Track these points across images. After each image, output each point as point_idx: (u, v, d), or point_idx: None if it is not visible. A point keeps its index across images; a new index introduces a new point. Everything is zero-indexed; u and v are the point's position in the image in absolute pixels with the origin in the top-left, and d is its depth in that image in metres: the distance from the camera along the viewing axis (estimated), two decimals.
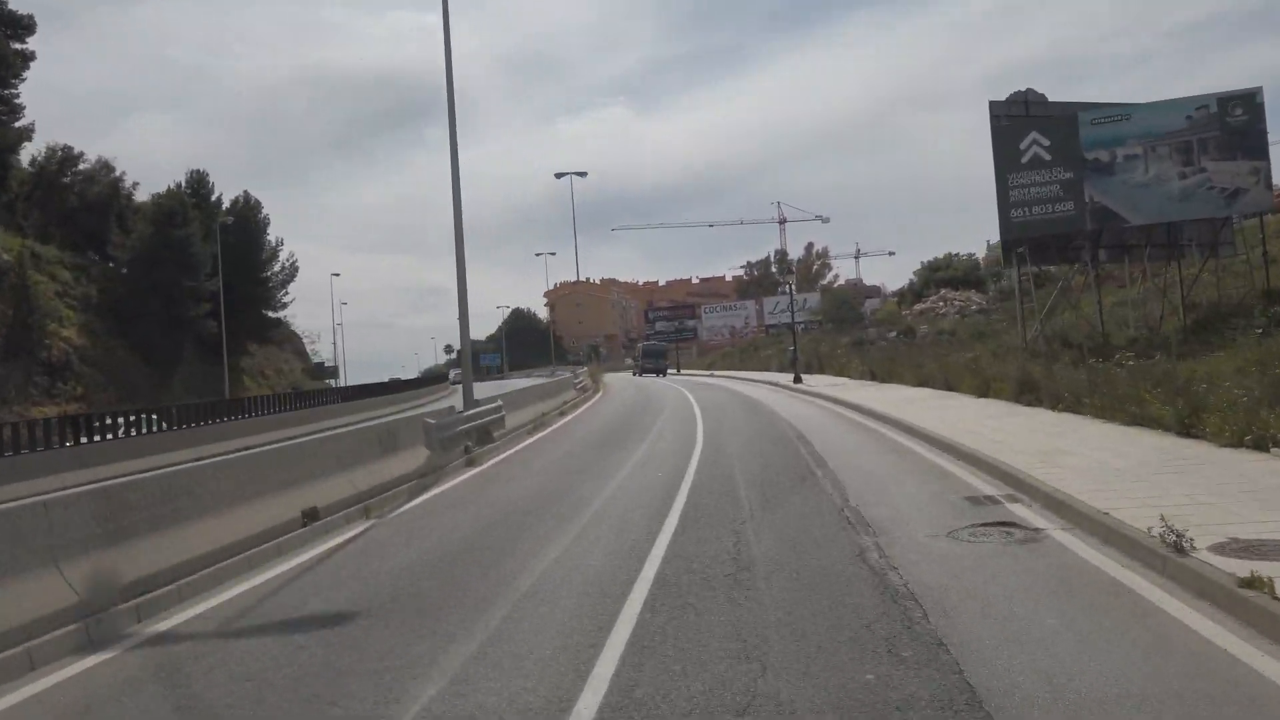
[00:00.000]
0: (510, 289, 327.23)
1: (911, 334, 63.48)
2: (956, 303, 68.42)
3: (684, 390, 36.38)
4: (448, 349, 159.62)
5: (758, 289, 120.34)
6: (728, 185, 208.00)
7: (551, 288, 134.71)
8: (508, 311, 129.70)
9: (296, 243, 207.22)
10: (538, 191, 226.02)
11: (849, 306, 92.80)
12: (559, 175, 55.24)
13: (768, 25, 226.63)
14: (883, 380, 29.52)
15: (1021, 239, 33.02)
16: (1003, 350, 34.58)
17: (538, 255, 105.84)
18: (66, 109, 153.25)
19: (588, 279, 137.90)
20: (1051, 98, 35.04)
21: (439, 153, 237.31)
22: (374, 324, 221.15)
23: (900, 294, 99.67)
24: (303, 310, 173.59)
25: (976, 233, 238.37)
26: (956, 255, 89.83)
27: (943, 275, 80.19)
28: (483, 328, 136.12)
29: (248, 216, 62.01)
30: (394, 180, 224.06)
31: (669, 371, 68.26)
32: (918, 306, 73.04)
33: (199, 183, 59.95)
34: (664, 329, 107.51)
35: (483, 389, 53.36)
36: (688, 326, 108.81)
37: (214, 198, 60.52)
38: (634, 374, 69.76)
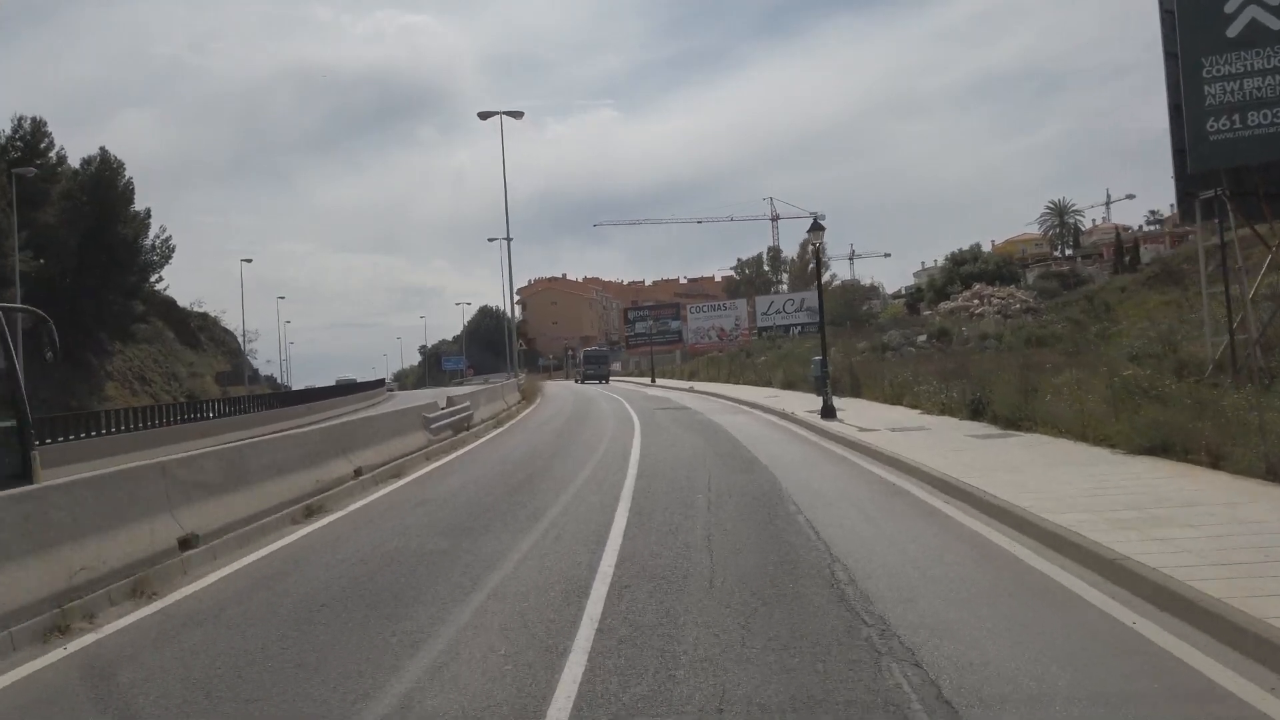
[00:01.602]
0: (495, 290, 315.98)
1: (946, 338, 48.57)
2: (995, 300, 53.48)
3: (638, 424, 21.41)
4: (421, 349, 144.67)
5: (749, 289, 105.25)
6: (714, 189, 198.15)
7: (528, 284, 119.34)
8: (474, 310, 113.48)
9: (281, 241, 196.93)
10: (525, 193, 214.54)
11: (855, 306, 77.33)
12: (484, 115, 39.62)
13: (751, 31, 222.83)
14: (1008, 425, 14.42)
15: (1218, 172, 18.09)
16: (1163, 363, 19.89)
17: (490, 240, 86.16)
18: (51, 104, 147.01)
19: (564, 275, 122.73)
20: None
21: (426, 153, 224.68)
22: (356, 323, 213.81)
23: (912, 293, 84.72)
24: (280, 308, 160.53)
25: (965, 236, 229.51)
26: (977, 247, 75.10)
27: (970, 270, 65.34)
28: (454, 328, 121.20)
29: (104, 180, 46.78)
30: (381, 180, 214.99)
31: (653, 382, 54.50)
32: (945, 305, 58.04)
33: (33, 132, 44.62)
34: (645, 330, 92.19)
35: (415, 398, 37.81)
36: (671, 328, 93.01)
37: (53, 152, 45.23)
38: (576, 381, 63.10)
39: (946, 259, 68.78)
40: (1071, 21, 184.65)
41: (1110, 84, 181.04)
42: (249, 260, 65.70)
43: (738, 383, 42.08)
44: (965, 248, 68.82)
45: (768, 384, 35.96)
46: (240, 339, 77.49)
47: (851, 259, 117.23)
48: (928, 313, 61.27)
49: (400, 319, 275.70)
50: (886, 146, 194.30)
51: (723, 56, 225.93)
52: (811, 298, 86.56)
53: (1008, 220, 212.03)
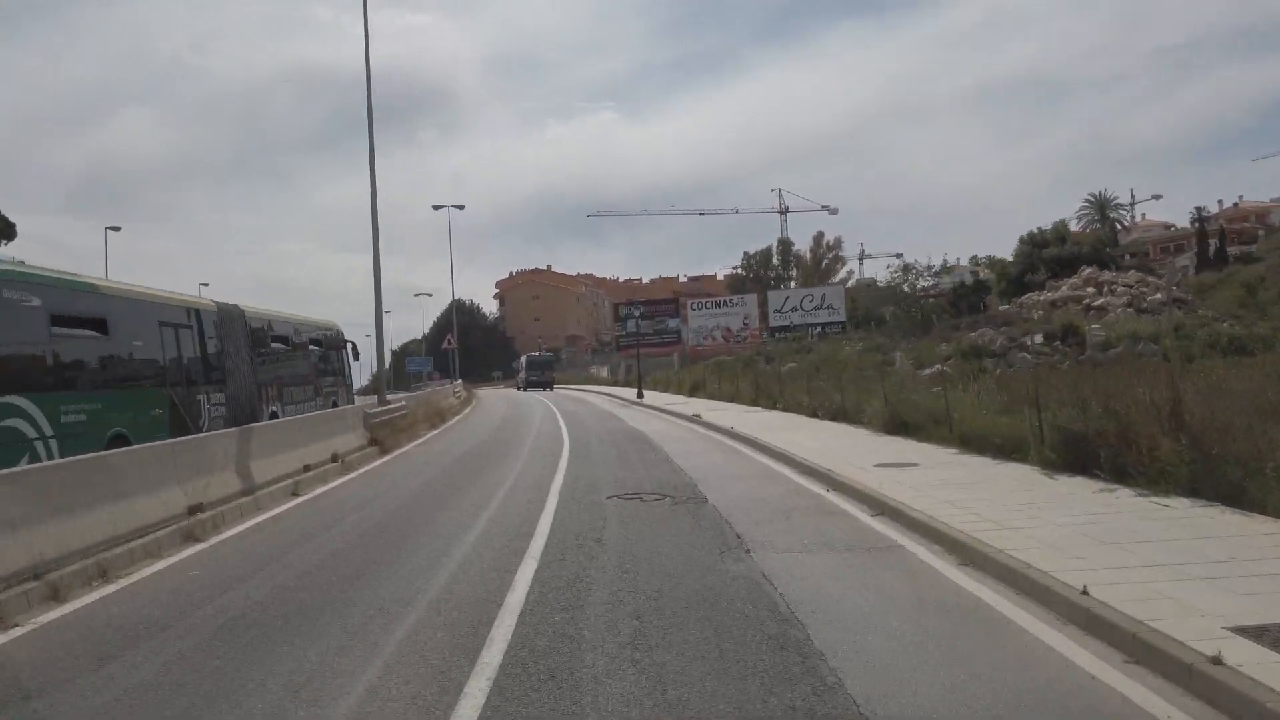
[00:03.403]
0: (482, 286, 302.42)
1: (1077, 338, 31.84)
2: (1121, 289, 36.85)
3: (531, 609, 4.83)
4: (405, 347, 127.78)
5: (756, 287, 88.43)
6: (716, 192, 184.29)
7: (508, 275, 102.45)
8: (440, 303, 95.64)
9: (281, 240, 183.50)
10: (525, 194, 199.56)
11: (904, 303, 58.65)
12: None
13: (753, 34, 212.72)
14: None
15: None
16: None
17: (436, 209, 61.81)
18: (51, 104, 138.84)
19: (548, 266, 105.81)
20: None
21: (426, 153, 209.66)
22: (356, 323, 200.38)
23: (958, 287, 67.76)
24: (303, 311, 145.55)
25: (972, 237, 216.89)
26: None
27: (1056, 253, 48.71)
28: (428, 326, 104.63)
29: None
30: (381, 180, 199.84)
31: (639, 398, 37.71)
32: (1036, 296, 41.28)
33: None
34: (638, 329, 75.25)
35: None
36: (669, 328, 75.55)
37: None
38: (519, 388, 57.20)
39: (1021, 241, 51.79)
40: (1073, 28, 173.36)
41: (1112, 91, 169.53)
42: (116, 228, 47.75)
43: (770, 406, 25.18)
44: (1045, 227, 51.79)
45: (840, 416, 18.89)
46: None
47: (862, 259, 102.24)
48: (1004, 307, 44.87)
49: (400, 319, 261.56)
50: (890, 151, 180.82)
51: (725, 59, 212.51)
52: (835, 294, 69.94)
53: (1014, 221, 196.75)
